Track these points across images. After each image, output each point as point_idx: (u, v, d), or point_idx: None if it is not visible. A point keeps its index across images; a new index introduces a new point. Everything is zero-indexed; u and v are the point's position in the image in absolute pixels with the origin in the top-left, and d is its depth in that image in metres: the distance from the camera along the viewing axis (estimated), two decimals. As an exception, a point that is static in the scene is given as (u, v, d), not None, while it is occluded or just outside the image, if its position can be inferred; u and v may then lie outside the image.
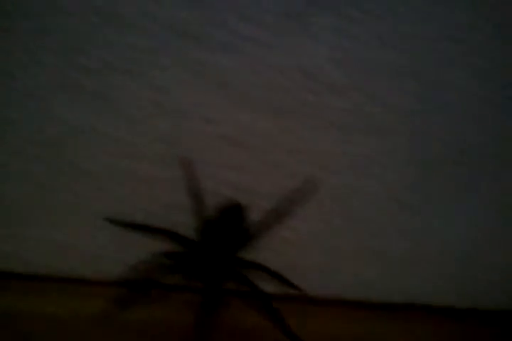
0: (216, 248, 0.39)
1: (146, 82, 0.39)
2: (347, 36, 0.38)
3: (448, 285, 0.42)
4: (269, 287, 0.39)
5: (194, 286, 0.40)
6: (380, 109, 0.40)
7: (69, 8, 0.37)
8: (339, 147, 0.40)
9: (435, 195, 0.41)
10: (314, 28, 0.38)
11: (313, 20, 0.38)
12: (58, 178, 0.41)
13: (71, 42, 0.38)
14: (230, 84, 0.39)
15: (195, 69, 0.39)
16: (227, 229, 0.39)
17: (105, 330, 0.39)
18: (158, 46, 0.38)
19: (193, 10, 0.38)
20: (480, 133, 0.40)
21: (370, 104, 0.40)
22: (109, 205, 0.42)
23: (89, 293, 0.42)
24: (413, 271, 0.42)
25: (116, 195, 0.42)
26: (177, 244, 0.40)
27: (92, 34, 0.38)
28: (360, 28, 0.38)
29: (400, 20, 0.38)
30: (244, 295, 0.40)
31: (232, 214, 0.40)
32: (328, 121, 0.40)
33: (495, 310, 0.42)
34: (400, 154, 0.40)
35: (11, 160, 0.41)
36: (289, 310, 0.37)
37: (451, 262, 0.42)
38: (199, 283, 0.39)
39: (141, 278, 0.39)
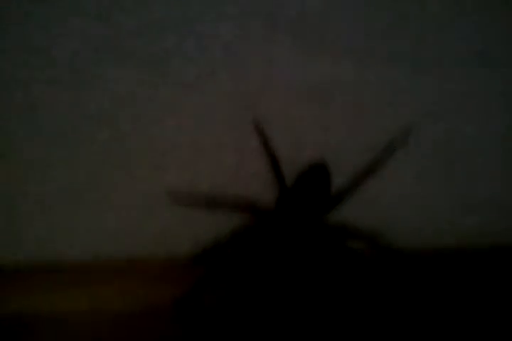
0: (299, 215, 0.34)
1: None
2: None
3: None
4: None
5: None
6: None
7: None
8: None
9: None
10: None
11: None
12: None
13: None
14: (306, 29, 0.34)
15: (267, 18, 0.34)
16: (310, 192, 0.34)
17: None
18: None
19: None
20: None
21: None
22: (172, 179, 0.37)
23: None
24: None
25: (176, 166, 0.37)
26: (253, 217, 0.35)
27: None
28: None
29: None
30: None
31: (317, 174, 0.35)
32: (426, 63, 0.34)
33: None
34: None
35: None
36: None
37: None
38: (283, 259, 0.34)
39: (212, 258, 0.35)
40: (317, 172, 0.35)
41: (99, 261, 0.38)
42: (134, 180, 0.37)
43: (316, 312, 0.33)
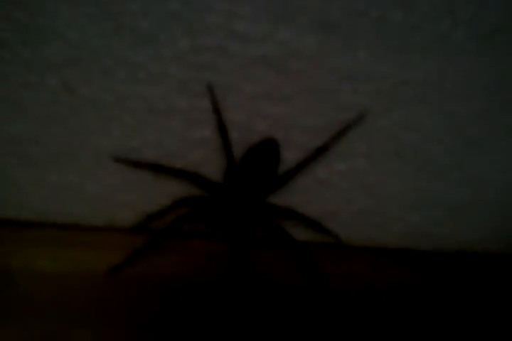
0: (244, 191, 0.33)
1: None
2: None
3: (501, 233, 0.38)
4: (301, 235, 0.34)
5: (217, 235, 0.35)
6: (451, 24, 0.32)
7: None
8: (398, 73, 0.33)
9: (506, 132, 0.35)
10: None
11: None
12: (52, 109, 0.34)
13: None
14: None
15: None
16: (258, 168, 0.33)
17: (111, 286, 0.34)
18: None
19: None
20: None
21: (441, 19, 0.32)
22: (117, 140, 0.35)
23: (92, 243, 0.36)
24: (468, 218, 0.37)
25: (125, 128, 0.35)
26: (198, 187, 0.34)
27: None
28: None
29: None
30: (273, 245, 0.35)
31: (265, 151, 0.34)
32: (386, 41, 0.32)
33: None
34: (469, 80, 0.33)
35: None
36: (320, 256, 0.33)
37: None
38: (223, 232, 0.33)
39: (155, 226, 0.34)
40: (266, 148, 0.34)
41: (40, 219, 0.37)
42: (80, 135, 0.35)
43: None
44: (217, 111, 0.33)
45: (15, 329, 0.32)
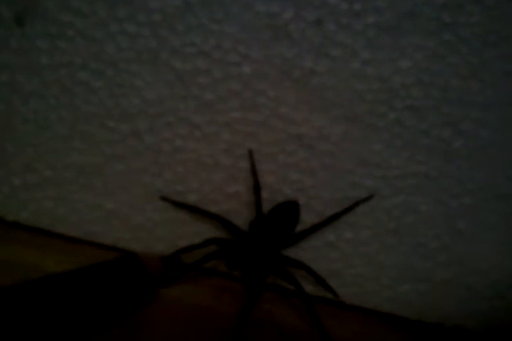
0: (265, 241, 0.39)
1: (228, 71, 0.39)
2: (435, 58, 0.38)
3: (482, 310, 0.43)
4: (305, 287, 0.39)
5: (235, 275, 0.41)
6: (451, 133, 0.40)
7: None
8: (406, 165, 0.41)
9: (493, 226, 0.42)
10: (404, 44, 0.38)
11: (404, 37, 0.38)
12: (120, 149, 0.42)
13: None
14: (312, 85, 0.39)
15: (281, 67, 0.39)
16: (280, 224, 0.40)
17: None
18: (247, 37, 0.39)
19: (289, 7, 0.38)
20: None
21: (445, 128, 0.40)
22: (166, 183, 0.42)
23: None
24: (449, 296, 0.43)
25: (175, 174, 0.42)
26: (227, 231, 0.41)
27: None
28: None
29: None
30: (283, 292, 0.41)
31: (287, 210, 0.40)
32: (401, 139, 0.40)
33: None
34: (462, 181, 0.41)
35: (79, 126, 0.41)
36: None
37: (493, 290, 0.43)
38: (241, 273, 0.39)
39: (184, 259, 0.40)
40: (289, 208, 0.41)
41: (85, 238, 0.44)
42: (137, 174, 0.42)
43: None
44: (254, 172, 0.41)
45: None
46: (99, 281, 0.36)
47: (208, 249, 0.39)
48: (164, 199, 0.42)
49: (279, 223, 0.40)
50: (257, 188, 0.40)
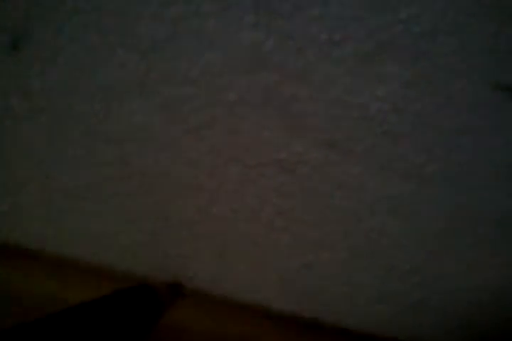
0: None
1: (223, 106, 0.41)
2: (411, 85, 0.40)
3: (454, 328, 0.44)
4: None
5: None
6: (426, 158, 0.41)
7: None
8: (382, 189, 0.42)
9: (464, 250, 0.42)
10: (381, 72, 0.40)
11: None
12: (107, 172, 0.43)
13: None
14: (291, 111, 0.41)
15: (263, 94, 0.40)
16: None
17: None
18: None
19: (272, 37, 0.40)
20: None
21: (419, 154, 0.41)
22: (149, 204, 0.44)
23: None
24: (419, 316, 0.44)
25: (158, 195, 0.43)
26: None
27: None
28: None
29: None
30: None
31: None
32: (378, 163, 0.41)
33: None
34: (437, 204, 0.42)
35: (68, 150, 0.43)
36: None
37: (466, 311, 0.44)
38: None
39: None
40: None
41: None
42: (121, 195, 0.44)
43: None
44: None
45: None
46: (119, 310, 0.37)
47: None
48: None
49: None
50: None
